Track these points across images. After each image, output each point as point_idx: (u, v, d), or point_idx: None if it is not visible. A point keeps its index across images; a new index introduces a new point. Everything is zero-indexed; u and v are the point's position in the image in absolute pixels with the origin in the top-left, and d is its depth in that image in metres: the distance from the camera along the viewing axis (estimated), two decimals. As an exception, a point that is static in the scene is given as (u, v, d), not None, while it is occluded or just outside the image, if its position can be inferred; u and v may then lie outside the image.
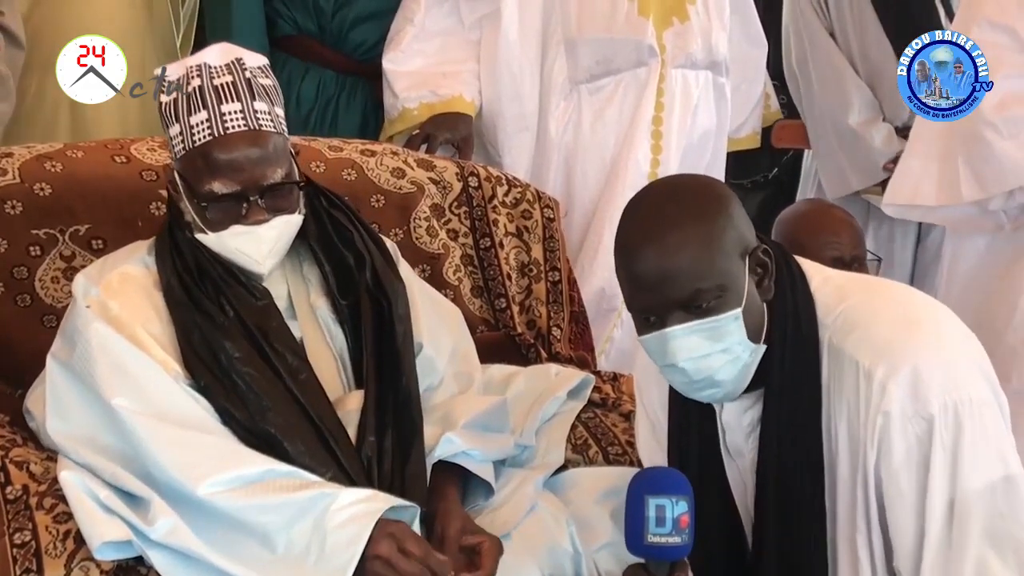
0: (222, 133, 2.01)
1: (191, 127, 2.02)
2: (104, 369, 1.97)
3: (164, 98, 2.06)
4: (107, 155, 2.44)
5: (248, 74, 2.06)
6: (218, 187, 2.02)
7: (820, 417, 1.82)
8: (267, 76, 2.10)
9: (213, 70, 2.05)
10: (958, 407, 1.73)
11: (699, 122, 3.24)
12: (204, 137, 2.02)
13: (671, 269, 1.75)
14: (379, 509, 1.88)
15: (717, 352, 1.79)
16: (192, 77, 2.04)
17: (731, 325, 1.78)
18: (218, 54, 2.08)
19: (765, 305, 1.83)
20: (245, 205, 2.03)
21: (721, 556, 1.94)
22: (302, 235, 2.15)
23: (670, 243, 1.76)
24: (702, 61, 3.20)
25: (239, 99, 2.03)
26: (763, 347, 1.83)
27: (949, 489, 1.73)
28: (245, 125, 2.02)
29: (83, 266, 2.27)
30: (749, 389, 1.86)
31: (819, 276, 1.89)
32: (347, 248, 2.19)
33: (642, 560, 1.83)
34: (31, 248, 2.31)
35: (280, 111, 2.09)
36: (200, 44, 3.12)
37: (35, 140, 2.64)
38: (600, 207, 3.15)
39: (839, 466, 1.82)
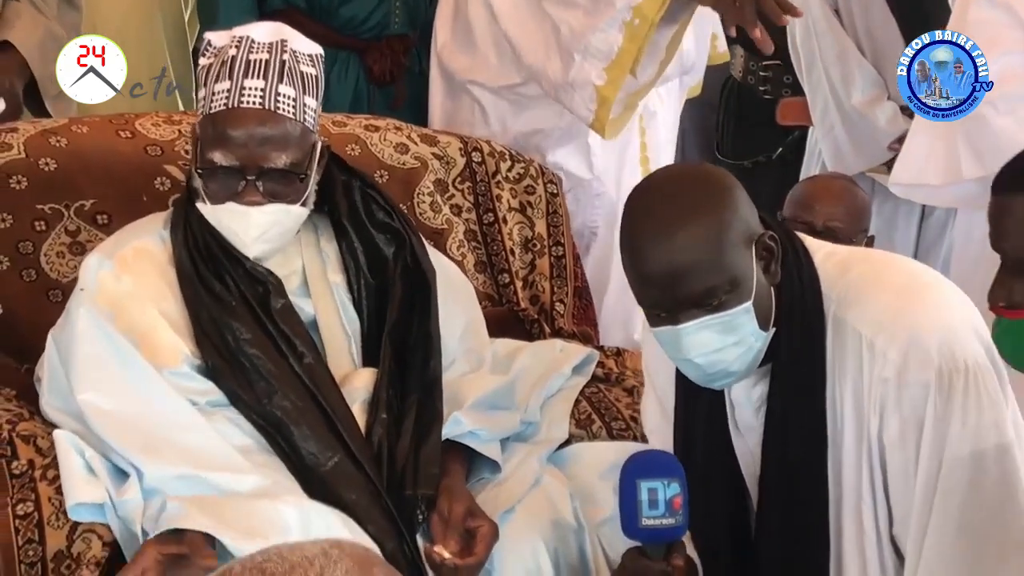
0: (235, 106, 2.02)
1: (213, 94, 2.04)
2: (79, 359, 1.98)
3: (203, 61, 2.08)
4: (112, 130, 2.45)
5: (286, 56, 2.06)
6: (218, 158, 2.02)
7: (824, 389, 1.82)
8: (312, 65, 2.09)
9: (253, 45, 2.06)
10: (953, 375, 1.73)
11: (668, 123, 3.19)
12: (219, 106, 2.03)
13: (682, 268, 1.72)
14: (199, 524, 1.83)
15: (730, 345, 1.77)
16: (232, 47, 2.06)
17: (743, 318, 1.76)
18: (266, 32, 2.09)
19: (772, 288, 1.82)
20: (243, 183, 2.02)
21: (727, 532, 1.94)
22: (331, 212, 2.15)
23: (679, 242, 1.71)
24: (674, 73, 3.07)
25: (264, 78, 2.03)
26: (773, 331, 1.81)
27: (938, 456, 1.73)
28: (261, 104, 2.02)
29: (88, 241, 2.29)
30: (759, 365, 1.85)
31: (821, 251, 1.88)
32: (384, 229, 2.19)
33: (639, 543, 1.84)
34: (36, 223, 2.31)
35: (312, 102, 2.09)
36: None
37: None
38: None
39: (845, 437, 1.81)
